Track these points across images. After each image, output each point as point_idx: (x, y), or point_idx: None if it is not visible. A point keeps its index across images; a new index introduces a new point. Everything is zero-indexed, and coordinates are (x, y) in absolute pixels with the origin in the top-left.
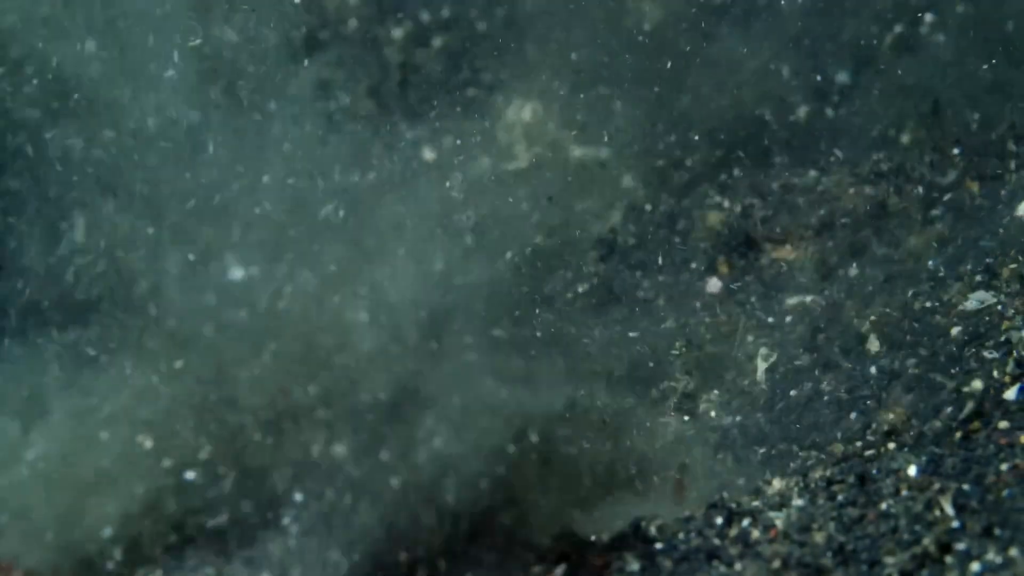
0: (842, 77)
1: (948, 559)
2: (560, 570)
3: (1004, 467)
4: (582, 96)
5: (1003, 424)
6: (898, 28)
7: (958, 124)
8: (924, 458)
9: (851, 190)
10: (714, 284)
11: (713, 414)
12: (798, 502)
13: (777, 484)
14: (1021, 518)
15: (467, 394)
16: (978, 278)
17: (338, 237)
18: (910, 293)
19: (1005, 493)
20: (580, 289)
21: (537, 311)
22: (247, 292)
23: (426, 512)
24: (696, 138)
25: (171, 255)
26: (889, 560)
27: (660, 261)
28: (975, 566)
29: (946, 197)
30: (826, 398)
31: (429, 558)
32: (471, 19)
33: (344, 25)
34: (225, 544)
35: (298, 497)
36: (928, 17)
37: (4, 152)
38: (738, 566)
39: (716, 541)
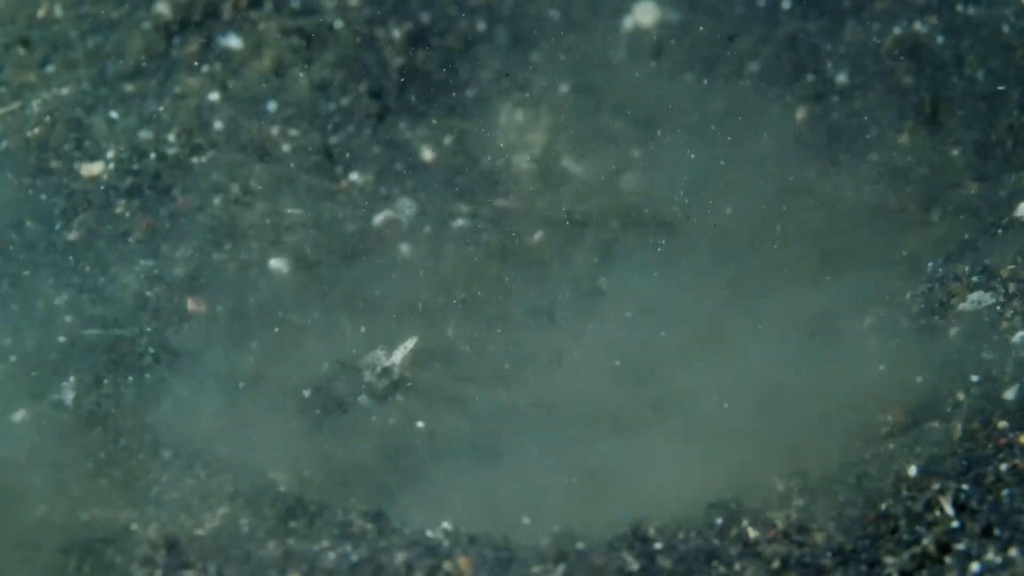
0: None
1: (948, 559)
2: (560, 570)
3: (1004, 467)
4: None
5: (1002, 424)
6: (897, 29)
7: (958, 124)
8: (924, 458)
9: (850, 191)
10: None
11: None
12: (798, 502)
13: (778, 483)
14: (1021, 518)
15: None
16: (976, 279)
17: None
18: (908, 294)
19: (1005, 493)
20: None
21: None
22: None
23: None
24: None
25: None
26: (889, 560)
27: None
28: (975, 566)
29: (945, 197)
30: (825, 398)
31: None
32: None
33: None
34: None
35: None
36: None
37: None
38: (737, 566)
39: (715, 541)
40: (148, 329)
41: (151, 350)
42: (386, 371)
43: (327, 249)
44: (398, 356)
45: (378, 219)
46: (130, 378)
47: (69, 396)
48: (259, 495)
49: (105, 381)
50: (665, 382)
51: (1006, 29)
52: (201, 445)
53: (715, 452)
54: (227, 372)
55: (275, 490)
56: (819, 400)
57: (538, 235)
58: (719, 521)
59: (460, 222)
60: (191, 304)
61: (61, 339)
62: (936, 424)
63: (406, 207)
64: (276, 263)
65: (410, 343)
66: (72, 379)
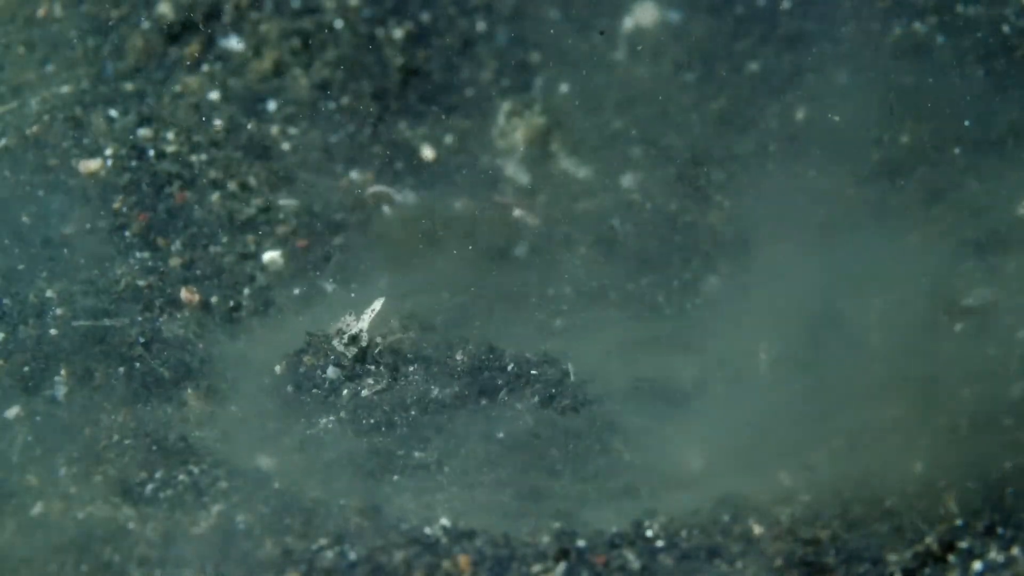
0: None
1: (951, 557)
2: (560, 569)
3: (1008, 465)
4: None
5: (1007, 421)
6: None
7: (958, 124)
8: (929, 455)
9: (851, 190)
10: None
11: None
12: (804, 497)
13: (784, 478)
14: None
15: None
16: (979, 275)
17: None
18: (911, 291)
19: (1009, 491)
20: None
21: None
22: None
23: None
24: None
25: None
26: (892, 558)
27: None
28: (977, 565)
29: (947, 196)
30: (829, 392)
31: None
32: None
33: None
34: None
35: None
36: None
37: None
38: (739, 564)
39: (719, 538)
40: (140, 319)
41: (141, 340)
42: (354, 339)
43: (320, 229)
44: (365, 320)
45: (370, 191)
46: (121, 369)
47: (61, 391)
48: (254, 491)
49: (96, 374)
50: None
51: (1006, 29)
52: (194, 438)
53: None
54: (218, 358)
55: (270, 486)
56: None
57: (537, 230)
58: (725, 517)
59: (459, 215)
60: (184, 294)
61: (53, 332)
62: (940, 420)
63: (407, 201)
64: (270, 256)
65: (377, 304)
66: (64, 373)
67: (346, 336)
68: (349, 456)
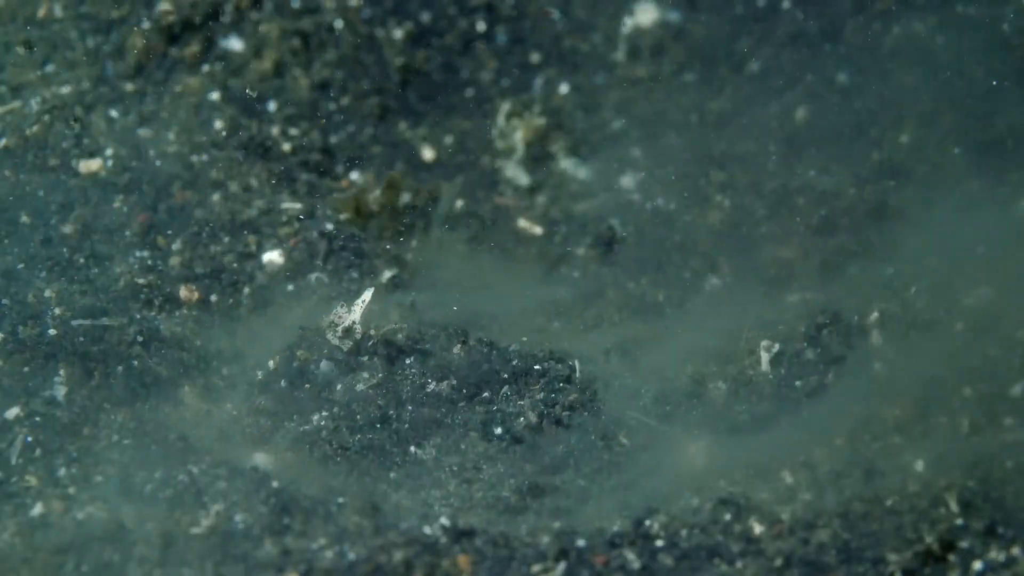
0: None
1: (951, 557)
2: (560, 568)
3: (1009, 464)
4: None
5: (1008, 421)
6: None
7: (958, 124)
8: (930, 454)
9: (851, 190)
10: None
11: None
12: (806, 496)
13: (787, 477)
14: None
15: None
16: (978, 275)
17: None
18: (912, 290)
19: (1010, 491)
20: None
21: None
22: None
23: None
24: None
25: None
26: (892, 557)
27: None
28: (977, 565)
29: (946, 196)
30: (831, 391)
31: None
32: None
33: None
34: None
35: None
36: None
37: None
38: (739, 564)
39: (719, 538)
40: (138, 317)
41: (140, 339)
42: (348, 331)
43: (320, 228)
44: (357, 312)
45: (372, 196)
46: (120, 368)
47: (61, 391)
48: (252, 490)
49: (95, 373)
50: None
51: (1006, 28)
52: (193, 437)
53: None
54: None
55: (269, 485)
56: None
57: (536, 230)
58: (727, 516)
59: (459, 214)
60: (184, 292)
61: (52, 332)
62: (942, 419)
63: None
64: (270, 255)
65: (366, 295)
66: (63, 373)
67: (339, 329)
68: (345, 453)
